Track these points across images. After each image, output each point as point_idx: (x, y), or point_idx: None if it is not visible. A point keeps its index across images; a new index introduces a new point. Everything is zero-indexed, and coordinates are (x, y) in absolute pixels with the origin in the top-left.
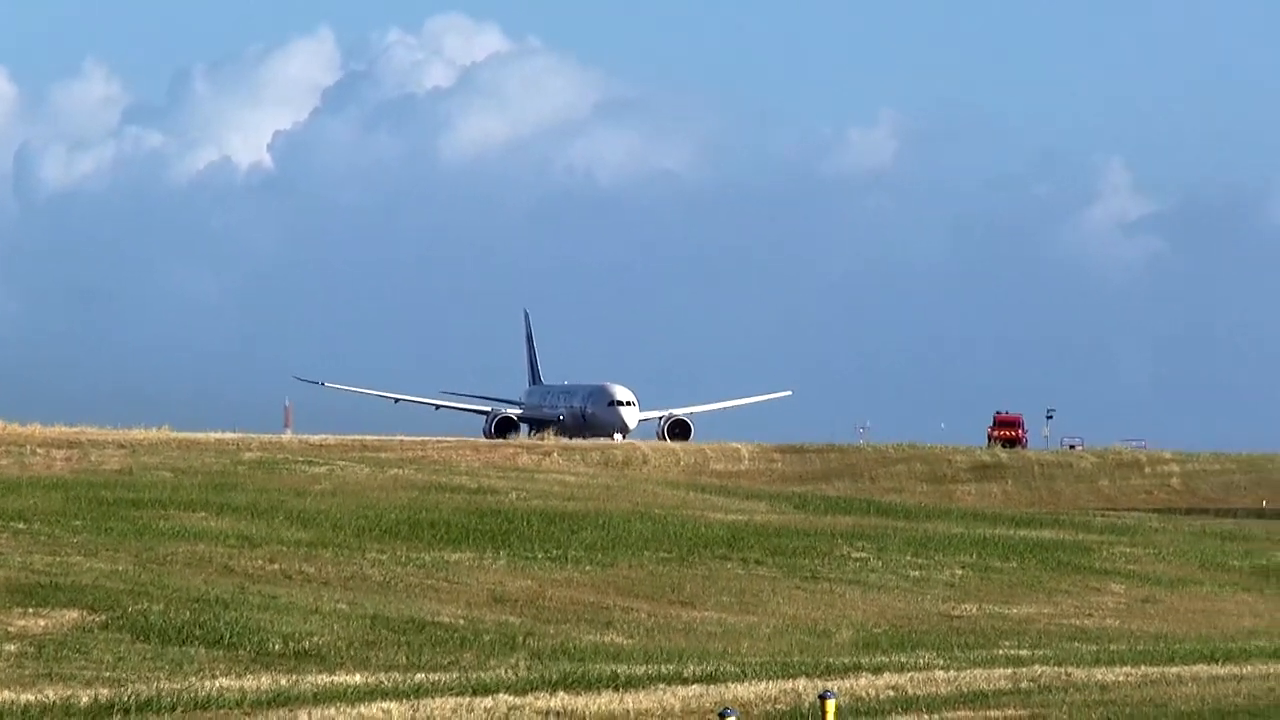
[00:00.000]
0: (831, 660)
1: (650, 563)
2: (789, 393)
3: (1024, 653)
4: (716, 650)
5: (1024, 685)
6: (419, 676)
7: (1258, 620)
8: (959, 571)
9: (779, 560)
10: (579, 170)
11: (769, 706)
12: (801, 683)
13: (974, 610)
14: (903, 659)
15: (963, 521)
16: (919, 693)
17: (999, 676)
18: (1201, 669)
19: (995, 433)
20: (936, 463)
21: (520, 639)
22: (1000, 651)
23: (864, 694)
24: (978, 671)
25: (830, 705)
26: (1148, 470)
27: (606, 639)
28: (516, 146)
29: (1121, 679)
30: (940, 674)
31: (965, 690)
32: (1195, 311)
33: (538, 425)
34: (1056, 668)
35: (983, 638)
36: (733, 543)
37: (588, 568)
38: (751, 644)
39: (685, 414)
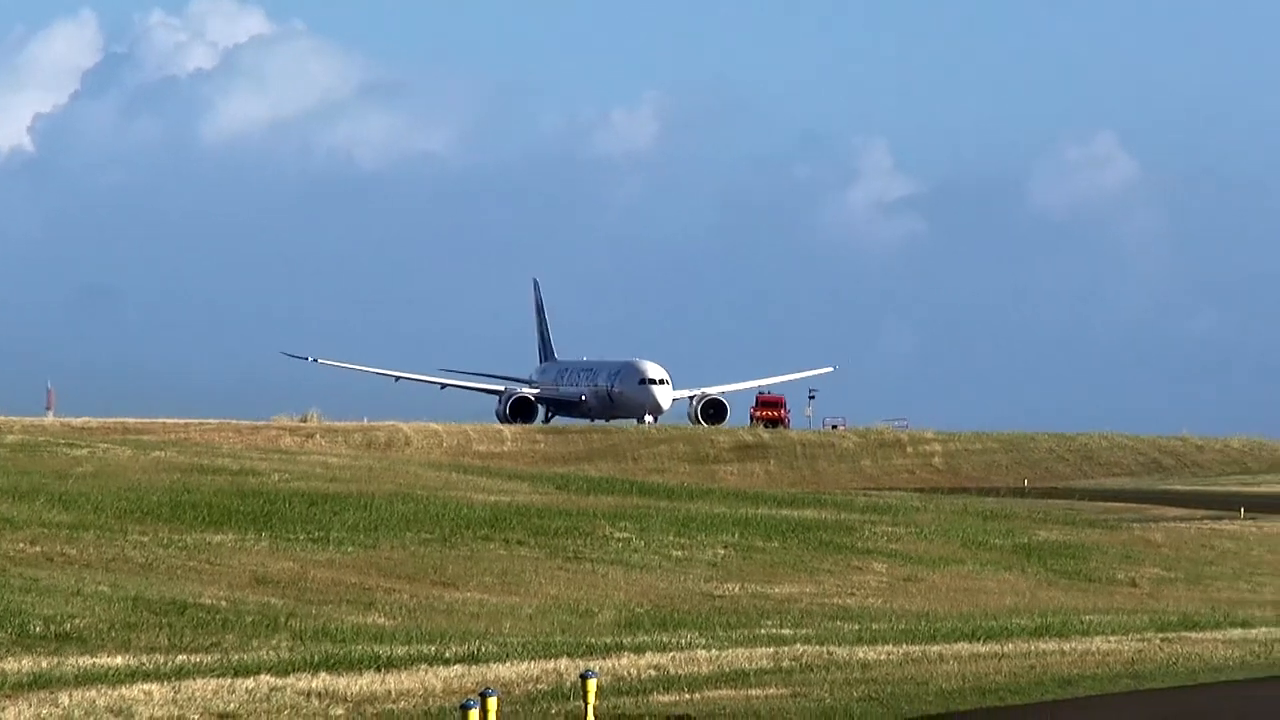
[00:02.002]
0: (593, 640)
1: (412, 544)
2: (831, 369)
3: (786, 632)
4: (478, 631)
5: (785, 664)
6: (180, 658)
7: (1019, 598)
8: (721, 551)
9: (541, 541)
10: (340, 153)
11: (530, 686)
12: (563, 663)
13: (736, 590)
14: (665, 639)
15: (725, 501)
16: (681, 672)
17: (761, 656)
18: (963, 647)
19: (758, 413)
20: (699, 443)
21: (282, 620)
22: (762, 631)
23: (626, 674)
24: (739, 651)
25: (591, 685)
26: (910, 450)
27: (369, 620)
28: (278, 129)
29: (883, 657)
30: (702, 653)
31: (727, 669)
32: (955, 292)
33: (558, 407)
34: (818, 647)
35: (745, 617)
36: (495, 524)
37: (350, 549)
38: (513, 624)
39: (720, 393)
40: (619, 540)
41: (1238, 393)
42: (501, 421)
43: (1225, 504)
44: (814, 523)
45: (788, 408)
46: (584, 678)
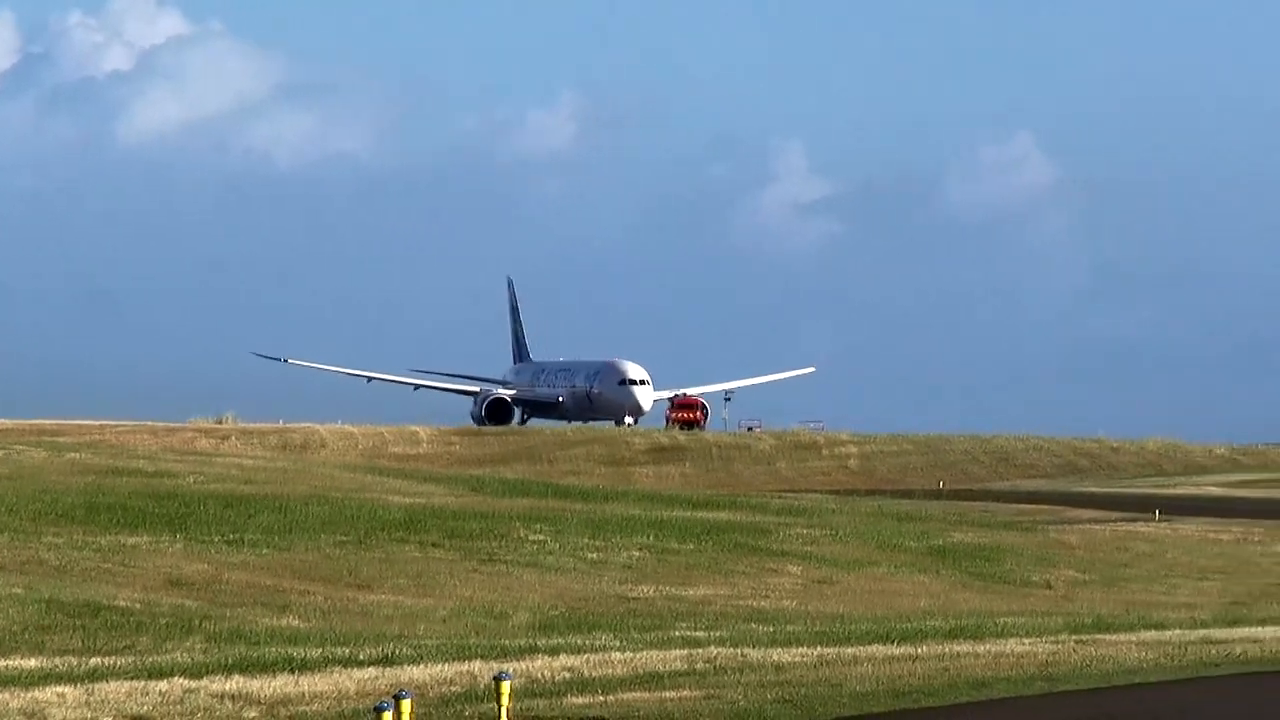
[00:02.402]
0: (508, 642)
1: (327, 546)
2: (813, 369)
3: (700, 634)
4: (393, 633)
5: (699, 666)
6: (94, 660)
7: (933, 601)
8: (636, 553)
9: (456, 543)
10: (257, 153)
11: (444, 689)
12: (477, 665)
13: (651, 592)
14: (579, 641)
15: (641, 504)
16: (595, 674)
17: (675, 658)
18: (877, 649)
19: (674, 415)
20: (615, 445)
21: (197, 623)
22: (677, 633)
23: (540, 675)
24: (654, 653)
25: (505, 687)
26: (825, 452)
27: (283, 622)
28: (195, 130)
29: (798, 659)
30: (616, 655)
31: (641, 672)
32: (871, 294)
33: (535, 409)
34: (733, 649)
35: (659, 619)
36: (410, 526)
37: (265, 551)
38: (428, 626)
39: (699, 394)
40: (534, 542)
41: (1153, 395)
42: (477, 423)
43: (1140, 506)
44: (729, 525)
45: (705, 410)
46: (498, 680)
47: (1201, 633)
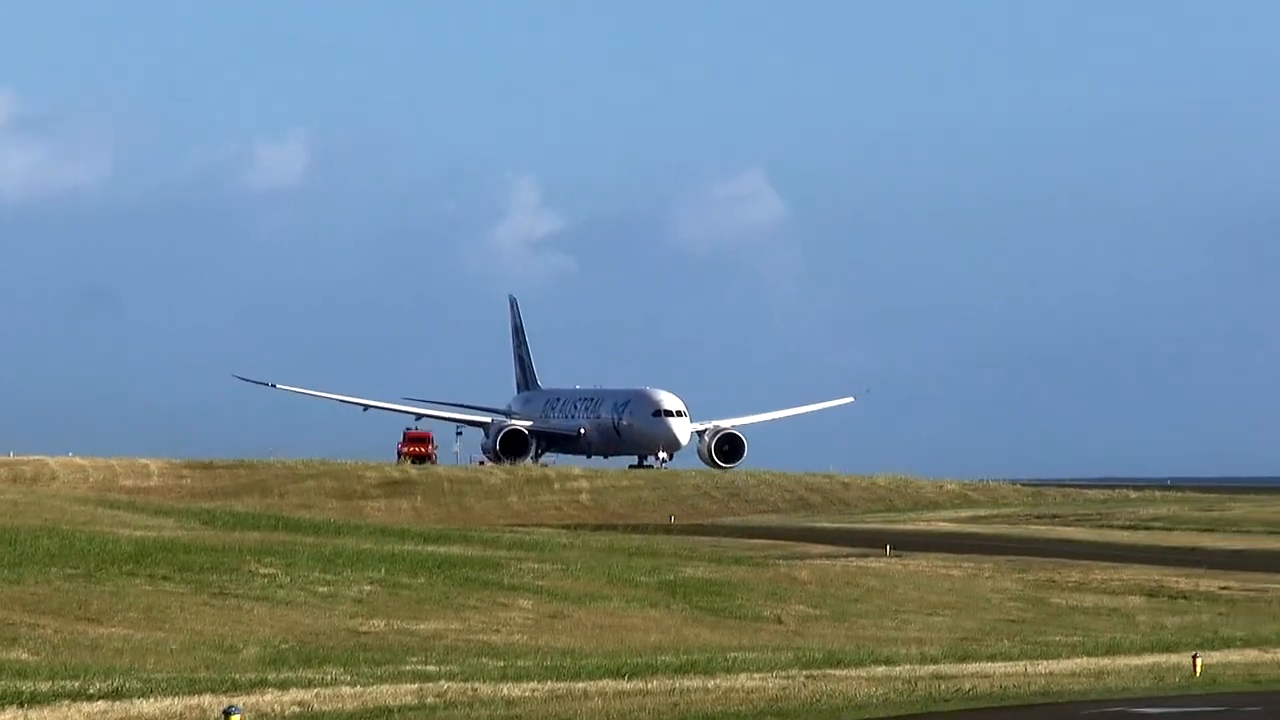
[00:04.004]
0: (238, 676)
1: (57, 579)
2: (850, 399)
3: (431, 668)
4: (123, 667)
5: (430, 701)
6: None
7: (664, 635)
8: (368, 587)
9: (187, 576)
10: None
11: None
12: (207, 699)
13: (382, 626)
14: (310, 675)
15: (372, 537)
16: (325, 709)
17: (405, 692)
18: (608, 684)
19: (405, 449)
20: (347, 479)
21: None
22: (407, 667)
23: (270, 710)
24: (384, 687)
25: None
26: (557, 487)
27: (12, 656)
28: None
29: (529, 694)
30: (347, 690)
31: (371, 706)
32: (602, 329)
33: (551, 441)
34: (463, 683)
35: (390, 654)
36: (140, 559)
37: None
38: (158, 660)
39: (732, 426)
40: (265, 576)
41: (883, 430)
42: (489, 457)
43: (871, 542)
44: (460, 559)
45: (436, 444)
46: (227, 714)
47: (931, 668)
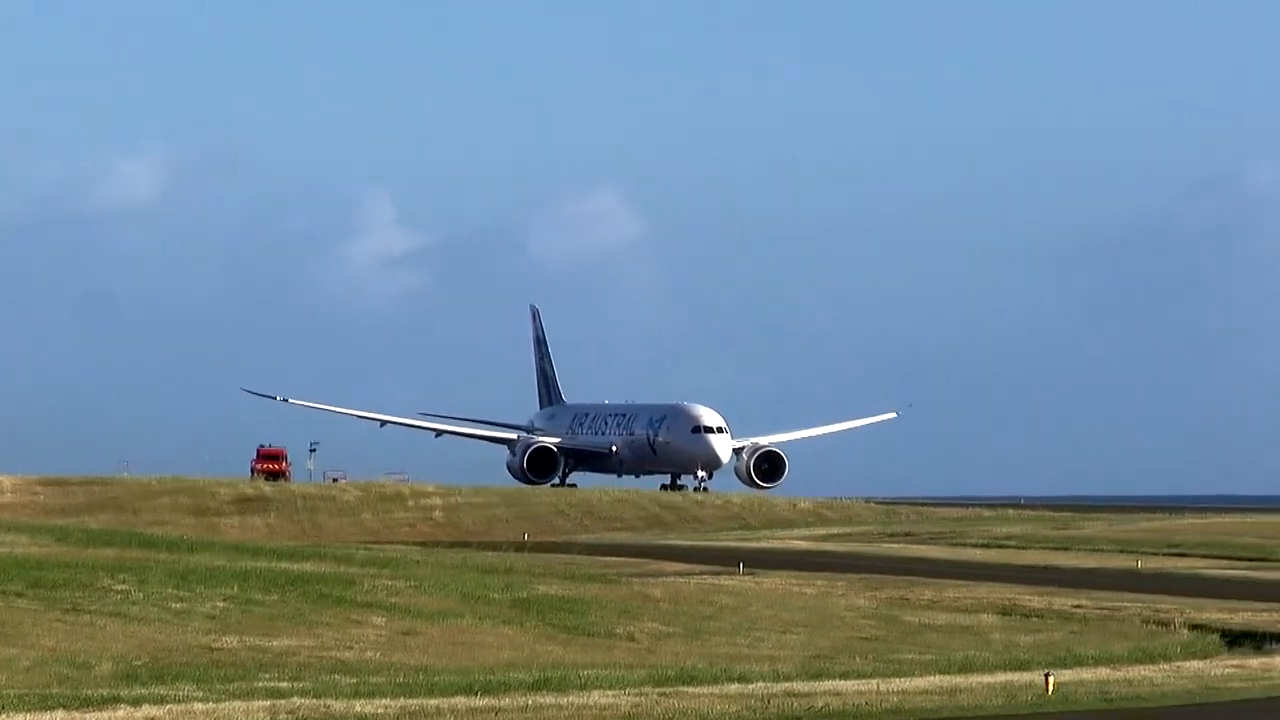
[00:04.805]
0: (90, 692)
1: None
2: (894, 414)
3: (284, 685)
4: None
5: (282, 718)
6: None
7: (517, 653)
8: (221, 604)
9: (39, 593)
10: None
11: None
12: (59, 715)
13: (235, 643)
14: (162, 691)
15: (226, 554)
16: None
17: (258, 709)
18: (460, 701)
19: (259, 465)
20: (201, 495)
21: None
22: (260, 684)
23: None
24: (237, 704)
25: None
26: (411, 503)
27: None
28: None
29: (381, 711)
30: (199, 706)
31: None
32: (458, 346)
33: (580, 459)
34: (316, 700)
35: (243, 670)
36: None
37: None
38: (9, 677)
39: (771, 443)
40: (118, 592)
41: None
42: (518, 478)
43: (725, 559)
44: (313, 576)
45: (289, 460)
46: None
47: (784, 685)
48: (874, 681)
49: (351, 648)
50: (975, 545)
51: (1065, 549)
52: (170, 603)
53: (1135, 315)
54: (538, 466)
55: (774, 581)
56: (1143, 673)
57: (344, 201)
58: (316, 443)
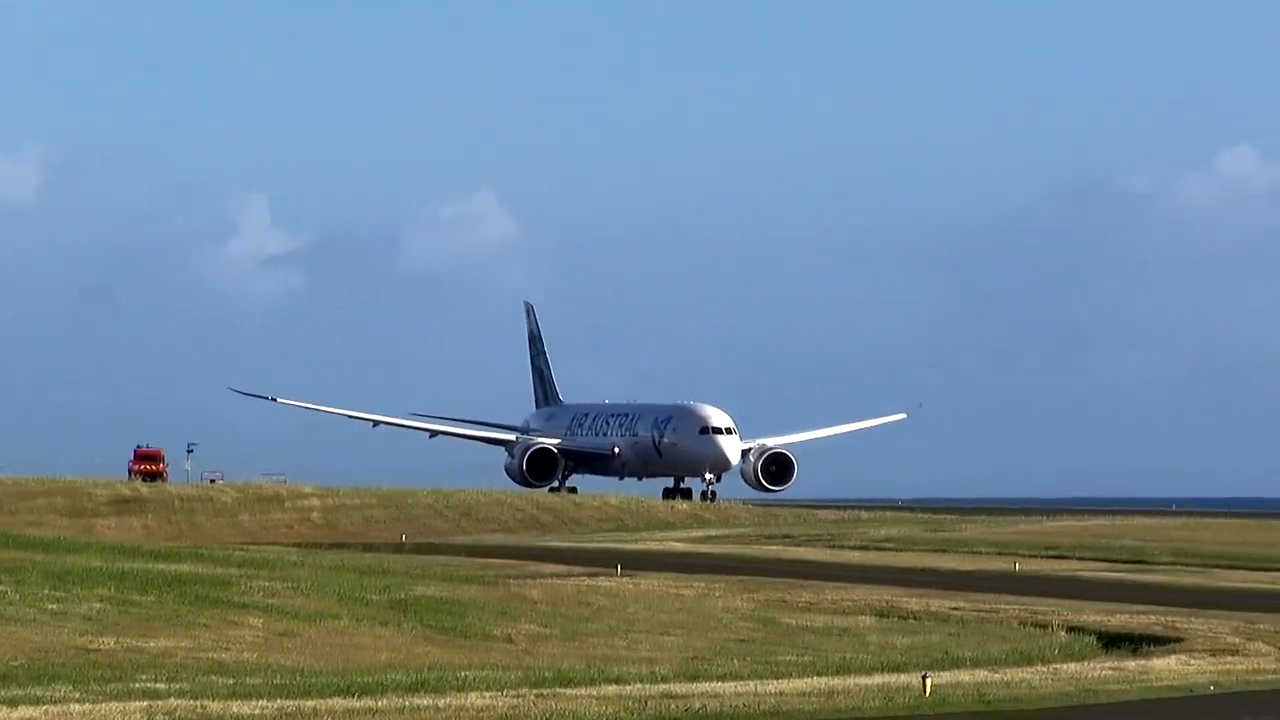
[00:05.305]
0: None
1: None
2: (903, 415)
3: (161, 686)
4: None
5: (159, 718)
6: None
7: (395, 654)
8: (98, 605)
9: None
10: None
11: None
12: None
13: (112, 644)
14: (39, 692)
15: (103, 555)
16: None
17: (135, 710)
18: (337, 702)
19: (136, 466)
20: (77, 496)
21: None
22: (137, 685)
23: None
24: (113, 705)
25: None
26: (289, 505)
27: None
28: None
29: (258, 712)
30: (76, 707)
31: None
32: (335, 347)
33: (581, 461)
34: (193, 701)
35: (120, 671)
36: None
37: None
38: None
39: (779, 445)
40: None
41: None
42: (516, 480)
43: (602, 561)
44: (190, 577)
45: (166, 461)
46: None
47: (662, 687)
48: (751, 683)
49: (228, 649)
50: (853, 547)
51: (943, 551)
52: (47, 604)
53: (1003, 316)
54: (537, 469)
55: (652, 583)
56: (1020, 675)
57: (219, 203)
58: (194, 444)
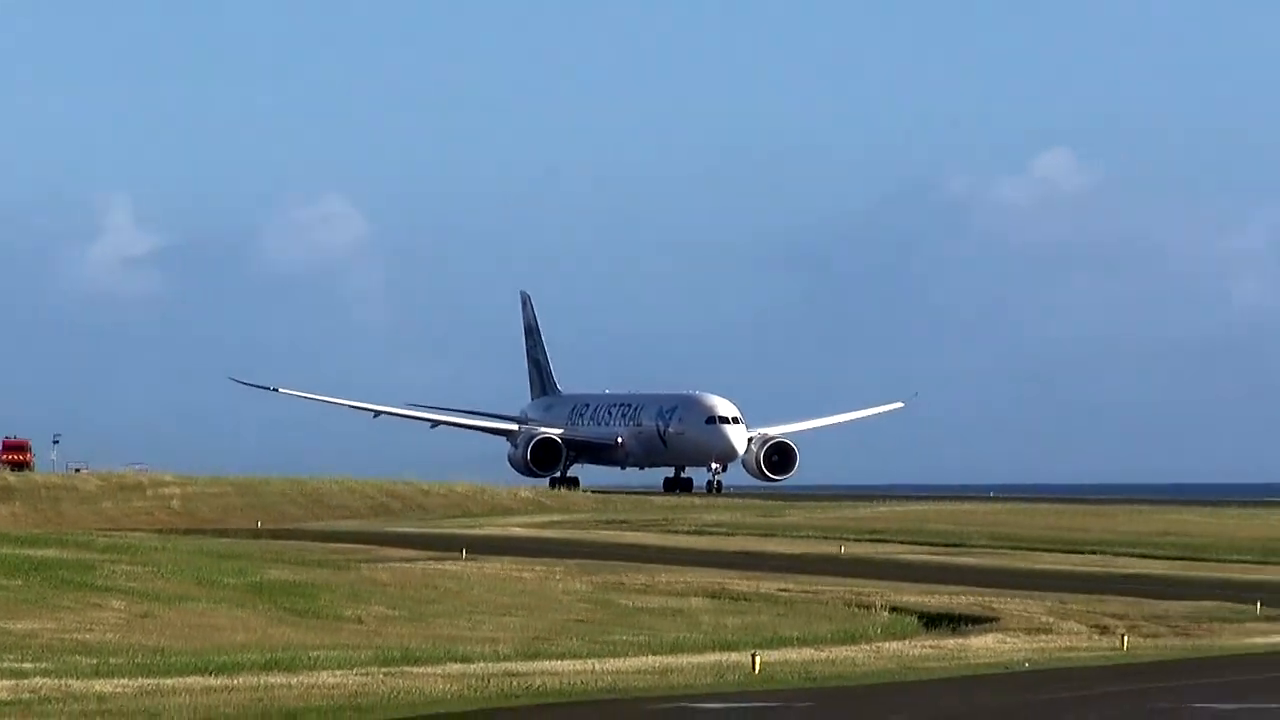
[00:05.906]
0: None
1: None
2: (901, 404)
3: (26, 666)
4: None
5: (25, 697)
6: None
7: (250, 635)
8: None
9: None
10: None
11: None
12: None
13: None
14: None
15: None
16: None
17: (0, 689)
18: (195, 681)
19: (4, 456)
20: None
21: None
22: (4, 665)
23: None
24: None
25: None
26: (150, 493)
27: None
28: None
29: (119, 690)
30: None
31: None
32: (197, 348)
33: (583, 451)
34: (57, 680)
35: None
36: None
37: None
38: None
39: (782, 434)
40: None
41: (444, 437)
42: (520, 470)
43: (448, 545)
44: (55, 561)
45: (33, 451)
46: None
47: (504, 665)
48: (590, 662)
49: (91, 630)
50: (685, 532)
51: (771, 535)
52: None
53: (833, 316)
54: (541, 458)
55: (495, 566)
56: (845, 653)
57: (82, 203)
58: (59, 434)
